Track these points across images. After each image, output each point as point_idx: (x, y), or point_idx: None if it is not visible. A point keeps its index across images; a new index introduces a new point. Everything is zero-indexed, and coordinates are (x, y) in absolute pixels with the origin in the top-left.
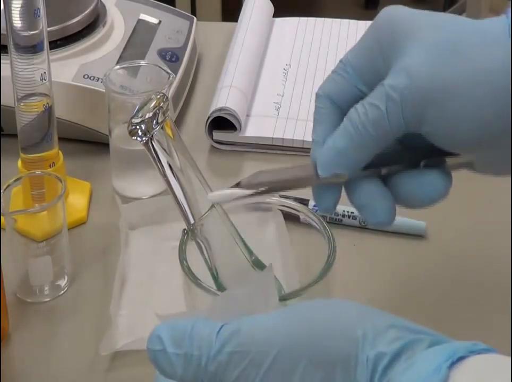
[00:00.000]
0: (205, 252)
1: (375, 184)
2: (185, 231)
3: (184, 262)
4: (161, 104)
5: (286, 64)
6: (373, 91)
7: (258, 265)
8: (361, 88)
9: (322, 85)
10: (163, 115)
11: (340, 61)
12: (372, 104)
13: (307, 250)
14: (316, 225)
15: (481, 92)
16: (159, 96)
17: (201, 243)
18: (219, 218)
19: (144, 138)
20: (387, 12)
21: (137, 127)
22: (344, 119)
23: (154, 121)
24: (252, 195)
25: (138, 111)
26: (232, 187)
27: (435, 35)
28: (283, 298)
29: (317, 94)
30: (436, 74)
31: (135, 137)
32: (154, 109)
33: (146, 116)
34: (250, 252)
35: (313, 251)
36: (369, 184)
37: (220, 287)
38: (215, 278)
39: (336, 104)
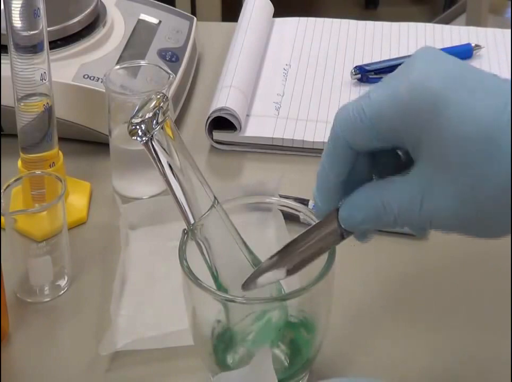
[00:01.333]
0: (205, 252)
1: None
2: (185, 231)
3: (184, 262)
4: (161, 104)
5: (286, 64)
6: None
7: (258, 264)
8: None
9: (339, 123)
10: (163, 115)
11: (367, 97)
12: None
13: None
14: None
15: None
16: (159, 96)
17: (201, 243)
18: (219, 218)
19: (144, 138)
20: (421, 86)
21: (137, 127)
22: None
23: (154, 121)
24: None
25: (138, 111)
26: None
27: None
28: (284, 298)
29: (334, 135)
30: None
31: (135, 137)
32: (154, 109)
33: (146, 117)
34: (250, 252)
35: None
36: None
37: (220, 287)
38: (215, 278)
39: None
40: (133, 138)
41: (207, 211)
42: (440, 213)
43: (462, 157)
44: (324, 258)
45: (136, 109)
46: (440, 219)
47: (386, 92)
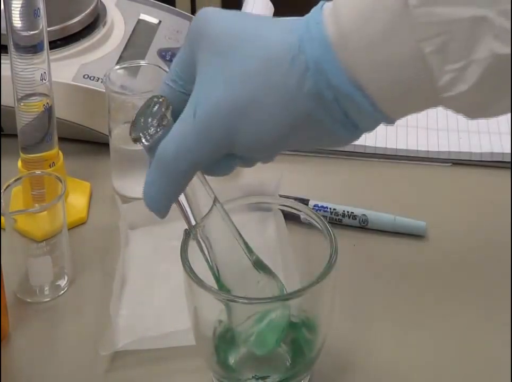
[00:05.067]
0: (206, 251)
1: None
2: (187, 231)
3: (186, 262)
4: (163, 109)
5: None
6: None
7: (260, 264)
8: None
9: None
10: (166, 118)
11: (169, 69)
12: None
13: (308, 250)
14: (317, 225)
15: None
16: (161, 100)
17: (202, 243)
18: (220, 218)
19: (147, 143)
20: (201, 16)
21: (141, 134)
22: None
23: (157, 125)
24: None
25: (140, 115)
26: None
27: (229, 61)
28: (286, 298)
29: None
30: (232, 100)
31: (139, 143)
32: (157, 114)
33: (149, 122)
34: (251, 252)
35: (313, 251)
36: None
37: (222, 287)
38: (217, 278)
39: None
40: (137, 143)
41: (208, 212)
42: (210, 107)
43: (224, 42)
44: (325, 257)
45: (137, 113)
46: (212, 118)
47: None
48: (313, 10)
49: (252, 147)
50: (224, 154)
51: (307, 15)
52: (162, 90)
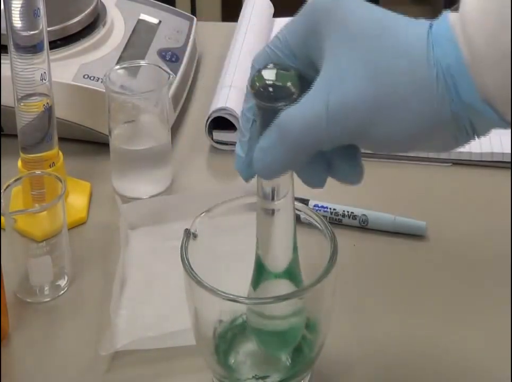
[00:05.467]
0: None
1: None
2: (187, 230)
3: (186, 261)
4: (296, 79)
5: None
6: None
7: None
8: (295, 67)
9: (257, 58)
10: (297, 90)
11: (276, 37)
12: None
13: (308, 250)
14: (317, 224)
15: (414, 102)
16: (292, 72)
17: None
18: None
19: (283, 105)
20: None
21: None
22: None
23: (295, 92)
24: None
25: (267, 74)
26: None
27: (372, 52)
28: (284, 298)
29: (253, 66)
30: (375, 94)
31: (265, 101)
32: (291, 80)
33: (287, 85)
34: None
35: (313, 251)
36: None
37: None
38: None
39: None
40: (261, 100)
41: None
42: (348, 98)
43: (365, 30)
44: (325, 257)
45: (260, 70)
46: (349, 109)
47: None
48: (438, 23)
49: (380, 144)
50: (346, 144)
51: (433, 28)
52: (266, 55)
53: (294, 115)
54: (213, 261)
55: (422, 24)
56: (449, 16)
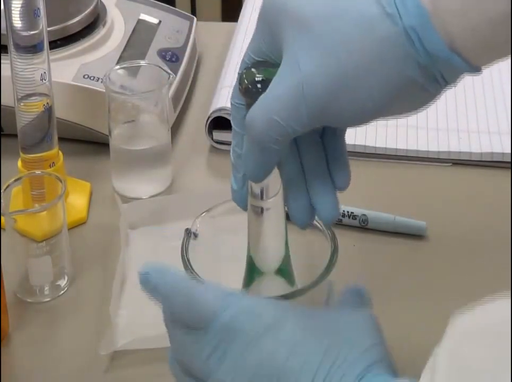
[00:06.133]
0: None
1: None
2: (188, 230)
3: (187, 261)
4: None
5: None
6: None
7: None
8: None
9: (233, 92)
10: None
11: (243, 60)
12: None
13: (307, 249)
14: (317, 224)
15: (374, 77)
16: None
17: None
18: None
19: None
20: None
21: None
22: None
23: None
24: None
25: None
26: None
27: (323, 32)
28: (285, 298)
29: (231, 105)
30: (336, 68)
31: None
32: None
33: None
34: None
35: (313, 250)
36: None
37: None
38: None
39: None
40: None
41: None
42: (308, 79)
43: (316, 12)
44: (324, 256)
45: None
46: (311, 90)
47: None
48: None
49: (352, 117)
50: (313, 128)
51: None
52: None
53: (255, 110)
54: (214, 260)
55: None
56: None
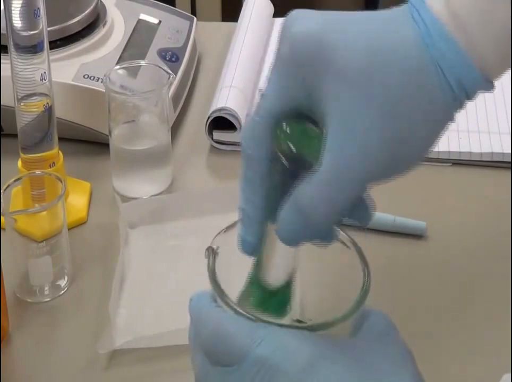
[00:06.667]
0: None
1: None
2: (210, 249)
3: (216, 285)
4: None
5: None
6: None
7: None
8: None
9: (248, 140)
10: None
11: (264, 107)
12: None
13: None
14: (344, 241)
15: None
16: None
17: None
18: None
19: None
20: (300, 38)
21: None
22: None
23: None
24: None
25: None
26: None
27: (376, 90)
28: (312, 329)
29: (246, 154)
30: (387, 138)
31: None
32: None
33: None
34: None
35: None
36: None
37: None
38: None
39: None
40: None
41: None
42: (366, 155)
43: (366, 75)
44: (334, 264)
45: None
46: (371, 165)
47: (274, 68)
48: (418, 10)
49: (399, 174)
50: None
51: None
52: (256, 124)
53: (315, 194)
54: (234, 278)
55: (404, 19)
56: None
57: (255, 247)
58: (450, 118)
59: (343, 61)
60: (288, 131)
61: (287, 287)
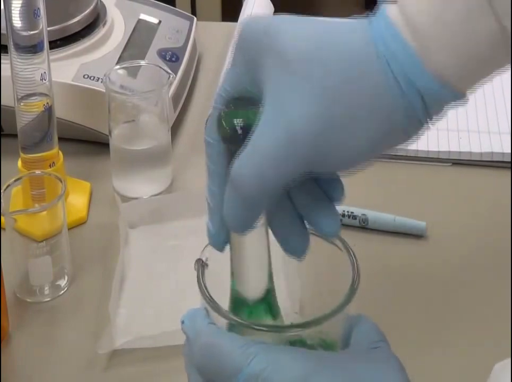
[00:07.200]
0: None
1: (293, 221)
2: (200, 261)
3: (208, 297)
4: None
5: None
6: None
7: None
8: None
9: (207, 129)
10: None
11: (218, 94)
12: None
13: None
14: (337, 242)
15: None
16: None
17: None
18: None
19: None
20: (249, 28)
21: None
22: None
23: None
24: None
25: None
26: None
27: (314, 76)
28: (302, 327)
29: (206, 141)
30: (317, 122)
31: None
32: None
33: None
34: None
35: (319, 258)
36: (288, 222)
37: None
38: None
39: None
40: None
41: None
42: (296, 131)
43: (302, 53)
44: (331, 262)
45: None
46: (299, 143)
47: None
48: (376, 19)
49: (340, 164)
50: (300, 177)
51: (371, 21)
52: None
53: (242, 165)
54: (222, 289)
55: (361, 25)
56: (387, 10)
57: (219, 239)
58: (403, 123)
59: (285, 44)
60: (225, 113)
61: (268, 293)
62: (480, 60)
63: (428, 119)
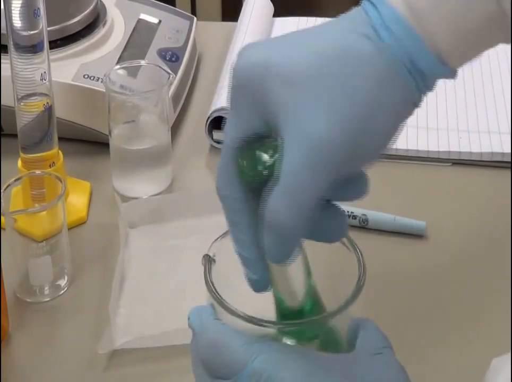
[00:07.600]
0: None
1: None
2: (207, 256)
3: (215, 293)
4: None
5: None
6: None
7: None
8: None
9: (220, 183)
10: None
11: (228, 145)
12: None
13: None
14: (345, 242)
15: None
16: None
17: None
18: None
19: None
20: (243, 65)
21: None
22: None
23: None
24: None
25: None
26: None
27: (324, 87)
28: (308, 323)
29: (222, 196)
30: (340, 132)
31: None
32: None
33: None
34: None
35: (325, 256)
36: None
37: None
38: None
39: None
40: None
41: None
42: (328, 144)
43: (305, 71)
44: (334, 260)
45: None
46: (333, 153)
47: (229, 103)
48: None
49: (367, 159)
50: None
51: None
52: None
53: (278, 202)
54: (232, 285)
55: (355, 22)
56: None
57: (263, 282)
58: (412, 104)
59: (287, 69)
60: (244, 159)
61: (310, 292)
62: (475, 39)
63: (427, 91)
